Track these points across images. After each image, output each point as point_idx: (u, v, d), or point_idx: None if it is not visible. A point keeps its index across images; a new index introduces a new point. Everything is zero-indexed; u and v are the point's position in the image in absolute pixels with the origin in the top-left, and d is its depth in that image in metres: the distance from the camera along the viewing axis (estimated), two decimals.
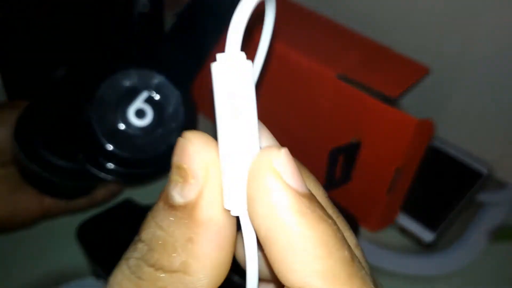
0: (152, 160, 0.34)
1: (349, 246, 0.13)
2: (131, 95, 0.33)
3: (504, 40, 0.43)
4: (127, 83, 0.33)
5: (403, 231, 0.44)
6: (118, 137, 0.33)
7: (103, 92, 0.33)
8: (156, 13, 0.53)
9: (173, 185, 0.14)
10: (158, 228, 0.14)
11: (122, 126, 0.33)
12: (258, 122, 0.14)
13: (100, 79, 0.33)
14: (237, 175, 0.13)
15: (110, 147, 0.32)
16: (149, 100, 0.34)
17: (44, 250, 0.41)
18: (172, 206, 0.13)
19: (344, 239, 0.13)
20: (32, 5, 0.46)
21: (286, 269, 0.12)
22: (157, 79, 0.34)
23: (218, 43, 0.40)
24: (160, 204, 0.14)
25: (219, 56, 0.12)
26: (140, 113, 0.33)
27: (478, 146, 0.49)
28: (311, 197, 0.13)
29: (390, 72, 0.39)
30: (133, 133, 0.33)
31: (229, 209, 0.13)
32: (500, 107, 0.46)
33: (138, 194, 0.42)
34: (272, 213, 0.12)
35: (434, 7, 0.46)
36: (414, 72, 0.39)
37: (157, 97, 0.34)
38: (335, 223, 0.13)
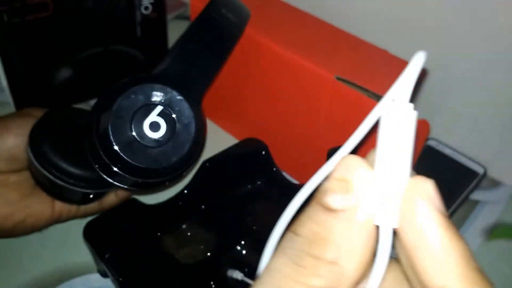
0: (164, 170, 0.35)
1: (476, 261, 0.17)
2: (146, 109, 0.35)
3: (498, 42, 0.44)
4: (142, 97, 0.35)
5: None
6: (133, 148, 0.34)
7: (120, 105, 0.34)
8: (158, 15, 0.54)
9: (333, 193, 0.17)
10: (316, 225, 0.17)
11: (137, 138, 0.34)
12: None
13: (117, 93, 0.34)
14: (391, 194, 0.16)
15: (125, 157, 0.34)
16: (163, 114, 0.35)
17: (48, 248, 0.41)
18: (331, 210, 0.17)
19: (472, 255, 0.16)
20: (36, 9, 0.47)
21: (431, 273, 0.16)
22: (171, 94, 0.35)
23: (226, 59, 0.41)
24: (318, 208, 0.17)
25: (390, 104, 0.16)
26: (154, 126, 0.35)
27: (473, 146, 0.50)
28: (449, 219, 0.17)
29: (387, 74, 0.39)
30: (147, 144, 0.35)
31: (380, 223, 0.17)
32: (495, 107, 0.47)
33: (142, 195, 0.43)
34: (424, 227, 0.16)
35: (430, 10, 0.47)
36: None
37: (170, 111, 0.35)
38: (466, 242, 0.17)
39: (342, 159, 0.17)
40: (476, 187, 0.48)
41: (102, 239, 0.36)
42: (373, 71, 0.40)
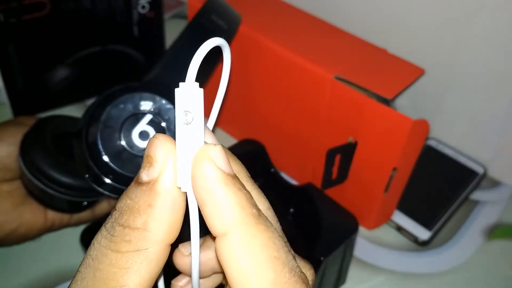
0: None
1: (257, 208, 0.19)
2: (135, 117, 0.35)
3: (497, 42, 0.44)
4: (131, 106, 0.35)
5: (399, 229, 0.45)
6: (122, 158, 0.34)
7: (109, 115, 0.34)
8: (155, 14, 0.54)
9: (142, 169, 0.19)
10: (128, 199, 0.19)
11: (126, 147, 0.34)
12: (206, 129, 0.20)
13: (106, 102, 0.34)
14: (186, 161, 0.18)
15: (114, 167, 0.34)
16: (152, 123, 0.35)
17: (44, 251, 0.41)
18: (140, 183, 0.19)
19: (253, 203, 0.19)
20: (32, 8, 0.47)
21: (214, 221, 0.18)
22: (160, 102, 0.35)
23: (216, 67, 0.41)
24: (132, 184, 0.19)
25: (181, 84, 0.18)
26: (143, 135, 0.35)
27: (473, 146, 0.50)
28: (234, 176, 0.19)
29: (386, 73, 0.39)
30: (136, 153, 0.35)
31: (179, 186, 0.19)
32: (495, 107, 0.47)
33: None
34: (206, 184, 0.18)
35: (429, 10, 0.46)
36: (409, 73, 0.40)
37: (160, 119, 0.35)
38: (248, 193, 0.19)
39: (151, 138, 0.19)
40: (476, 187, 0.48)
41: None
42: (372, 71, 0.39)
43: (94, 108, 0.35)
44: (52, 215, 0.39)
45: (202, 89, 0.19)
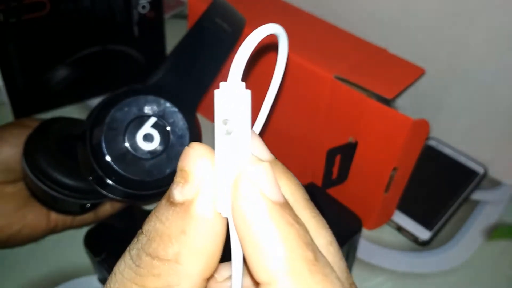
0: (158, 182, 0.35)
1: (314, 248, 0.15)
2: (140, 120, 0.35)
3: (497, 42, 0.44)
4: (136, 109, 0.35)
5: (400, 229, 0.44)
6: (126, 160, 0.34)
7: (113, 117, 0.34)
8: (156, 14, 0.54)
9: (176, 185, 0.16)
10: (158, 221, 0.16)
11: (130, 150, 0.34)
12: (255, 136, 0.17)
13: (110, 105, 0.34)
14: (226, 182, 0.15)
15: (118, 169, 0.34)
16: (157, 125, 0.35)
17: (46, 250, 0.41)
18: (172, 203, 0.15)
19: (309, 241, 0.15)
20: (32, 8, 0.47)
21: (257, 266, 0.14)
22: (164, 105, 0.35)
23: (221, 69, 0.40)
24: (163, 202, 0.16)
25: (222, 84, 0.15)
26: (148, 138, 0.35)
27: (473, 146, 0.50)
28: (284, 205, 0.15)
29: (386, 73, 0.39)
30: (140, 156, 0.34)
31: (219, 211, 0.15)
32: (495, 107, 0.47)
33: None
34: (247, 216, 0.14)
35: (430, 9, 0.46)
36: (409, 73, 0.40)
37: (164, 122, 0.35)
38: (303, 228, 0.15)
39: (186, 148, 0.16)
40: (476, 187, 0.48)
41: (103, 246, 0.35)
42: (373, 70, 0.39)
43: (98, 110, 0.35)
44: (55, 217, 0.39)
45: (249, 91, 0.15)
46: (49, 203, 0.37)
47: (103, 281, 0.38)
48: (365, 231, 0.44)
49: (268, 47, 0.42)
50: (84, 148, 0.34)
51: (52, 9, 0.48)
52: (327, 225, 0.17)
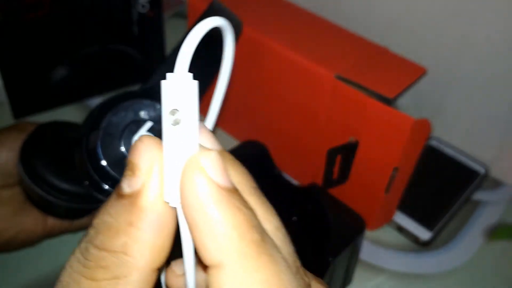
0: None
1: (261, 231, 0.15)
2: (136, 125, 0.35)
3: (499, 42, 0.44)
4: (132, 113, 0.35)
5: (401, 229, 0.44)
6: (122, 165, 0.34)
7: (109, 122, 0.34)
8: (155, 13, 0.54)
9: (124, 178, 0.16)
10: (106, 214, 0.16)
11: (126, 154, 0.34)
12: (203, 128, 0.17)
13: (106, 109, 0.34)
14: (174, 171, 0.15)
15: (115, 174, 0.34)
16: (153, 130, 0.35)
17: (43, 256, 0.41)
18: (120, 196, 0.16)
19: (257, 225, 0.15)
20: (32, 7, 0.47)
21: (205, 250, 0.15)
22: (160, 110, 0.35)
23: (218, 73, 0.40)
24: (113, 195, 0.16)
25: (169, 75, 0.15)
26: None
27: (474, 146, 0.50)
28: (232, 190, 0.15)
29: (388, 73, 0.39)
30: None
31: (167, 201, 0.15)
32: (496, 107, 0.47)
33: None
34: (196, 202, 0.15)
35: (431, 8, 0.46)
36: (411, 73, 0.40)
37: (160, 127, 0.35)
38: (250, 212, 0.15)
39: (135, 141, 0.16)
40: (477, 187, 0.47)
41: None
42: (374, 70, 0.39)
43: (94, 115, 0.35)
44: (52, 222, 0.38)
45: (196, 82, 0.15)
46: (46, 208, 0.37)
47: None
48: (366, 232, 0.44)
49: (260, 53, 0.42)
50: (80, 152, 0.34)
51: (52, 8, 0.48)
52: (274, 212, 0.18)
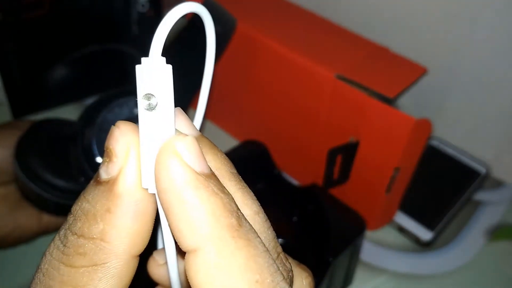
0: None
1: (238, 216, 0.15)
2: (131, 121, 0.34)
3: (500, 41, 0.44)
4: (126, 110, 0.35)
5: (401, 229, 0.44)
6: None
7: (104, 118, 0.34)
8: (155, 13, 0.54)
9: (102, 164, 0.16)
10: (84, 201, 0.16)
11: None
12: (180, 114, 0.17)
13: (101, 106, 0.34)
14: (150, 157, 0.15)
15: None
16: None
17: (36, 253, 0.41)
18: (98, 182, 0.16)
19: (234, 209, 0.15)
20: (31, 7, 0.46)
21: (182, 235, 0.15)
22: None
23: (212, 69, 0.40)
24: (91, 182, 0.16)
25: (143, 59, 0.15)
26: None
27: (475, 145, 0.50)
28: (209, 175, 0.15)
29: (388, 72, 0.39)
30: None
31: (145, 187, 0.15)
32: (498, 107, 0.47)
33: None
34: (171, 187, 0.14)
35: (432, 8, 0.46)
36: (411, 72, 0.40)
37: None
38: (228, 197, 0.15)
39: (112, 128, 0.16)
40: (478, 187, 0.47)
41: None
42: (374, 69, 0.39)
43: (89, 112, 0.35)
44: (47, 218, 0.38)
45: (170, 66, 0.15)
46: (41, 204, 0.37)
47: None
48: (366, 232, 0.44)
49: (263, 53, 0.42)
50: (76, 149, 0.34)
51: (51, 8, 0.48)
52: (254, 196, 0.17)
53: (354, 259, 0.38)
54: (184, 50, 0.38)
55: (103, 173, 0.15)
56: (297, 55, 0.40)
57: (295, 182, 0.47)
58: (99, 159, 0.33)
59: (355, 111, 0.38)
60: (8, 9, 0.45)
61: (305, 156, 0.45)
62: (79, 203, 0.16)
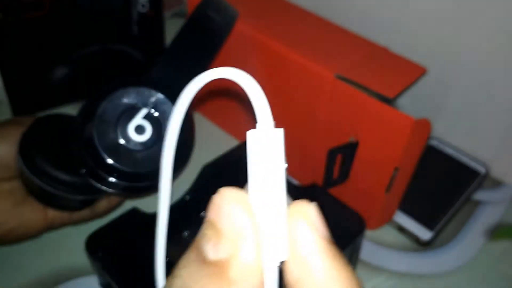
0: (152, 174, 0.35)
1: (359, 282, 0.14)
2: (131, 112, 0.35)
3: (499, 41, 0.44)
4: (126, 101, 0.35)
5: (401, 229, 0.44)
6: (118, 152, 0.34)
7: (104, 109, 0.34)
8: (155, 13, 0.54)
9: (206, 240, 0.14)
10: (190, 280, 0.14)
11: (122, 142, 0.34)
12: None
13: (101, 97, 0.34)
14: (275, 230, 0.14)
15: (111, 161, 0.34)
16: (148, 117, 0.35)
17: (44, 251, 0.41)
18: (204, 261, 0.14)
19: (356, 277, 0.14)
20: (31, 7, 0.47)
21: None
22: (155, 96, 0.35)
23: (213, 61, 0.40)
24: (192, 256, 0.14)
25: (250, 132, 0.15)
26: (139, 129, 0.35)
27: (475, 145, 0.50)
28: (333, 242, 0.15)
29: (388, 72, 0.39)
30: (133, 148, 0.35)
31: (270, 261, 0.14)
32: (497, 106, 0.47)
33: (141, 203, 0.42)
34: (308, 256, 0.14)
35: (431, 8, 0.46)
36: (411, 72, 0.40)
37: (155, 113, 0.35)
38: (349, 263, 0.15)
39: (214, 197, 0.14)
40: (478, 187, 0.47)
41: (105, 251, 0.35)
42: (373, 69, 0.39)
43: (90, 103, 0.35)
44: (52, 214, 0.38)
45: (282, 129, 0.15)
46: (46, 199, 0.37)
47: (104, 285, 0.38)
48: (366, 231, 0.44)
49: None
50: (77, 140, 0.34)
51: (51, 8, 0.48)
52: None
53: (353, 259, 0.38)
54: (186, 42, 0.38)
55: (211, 253, 0.14)
56: (296, 55, 0.40)
57: (294, 181, 0.47)
58: (102, 153, 0.33)
59: (354, 111, 0.38)
60: (8, 9, 0.45)
61: (305, 155, 0.45)
62: (183, 280, 0.14)
